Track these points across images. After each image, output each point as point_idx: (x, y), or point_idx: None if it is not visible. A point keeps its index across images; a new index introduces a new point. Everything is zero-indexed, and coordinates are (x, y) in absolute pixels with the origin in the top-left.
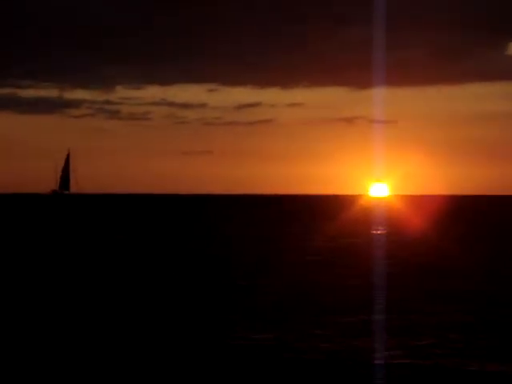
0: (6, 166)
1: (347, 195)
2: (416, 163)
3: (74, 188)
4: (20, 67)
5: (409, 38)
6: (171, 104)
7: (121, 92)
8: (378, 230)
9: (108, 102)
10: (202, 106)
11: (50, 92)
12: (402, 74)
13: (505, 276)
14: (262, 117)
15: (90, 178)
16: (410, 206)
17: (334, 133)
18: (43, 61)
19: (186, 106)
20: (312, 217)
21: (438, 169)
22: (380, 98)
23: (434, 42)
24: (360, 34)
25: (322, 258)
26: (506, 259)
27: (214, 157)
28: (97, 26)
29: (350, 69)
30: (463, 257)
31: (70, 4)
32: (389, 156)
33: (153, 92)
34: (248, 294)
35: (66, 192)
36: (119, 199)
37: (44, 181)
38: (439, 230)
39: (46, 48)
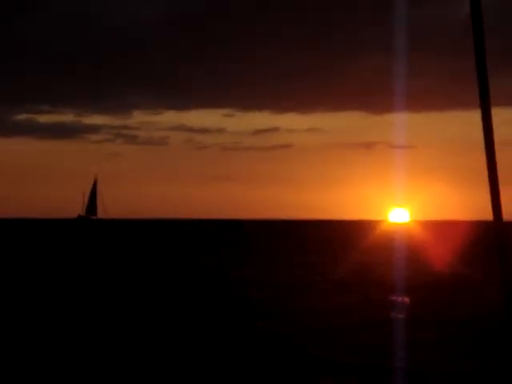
0: (29, 191)
1: (367, 220)
2: (437, 188)
3: (101, 213)
4: (37, 92)
5: (427, 64)
6: (189, 129)
7: (138, 117)
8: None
9: (126, 127)
10: (220, 130)
11: (67, 117)
12: (421, 99)
13: None
14: (280, 142)
15: (111, 203)
16: (433, 233)
17: (352, 158)
18: (60, 86)
19: (203, 130)
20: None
21: (458, 194)
22: (400, 123)
23: (454, 66)
24: (379, 60)
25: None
26: None
27: (232, 182)
28: (113, 51)
29: (367, 94)
30: None
31: (86, 30)
32: (409, 181)
33: (170, 117)
34: None
35: (94, 217)
36: (141, 224)
37: (68, 206)
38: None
39: (63, 73)
